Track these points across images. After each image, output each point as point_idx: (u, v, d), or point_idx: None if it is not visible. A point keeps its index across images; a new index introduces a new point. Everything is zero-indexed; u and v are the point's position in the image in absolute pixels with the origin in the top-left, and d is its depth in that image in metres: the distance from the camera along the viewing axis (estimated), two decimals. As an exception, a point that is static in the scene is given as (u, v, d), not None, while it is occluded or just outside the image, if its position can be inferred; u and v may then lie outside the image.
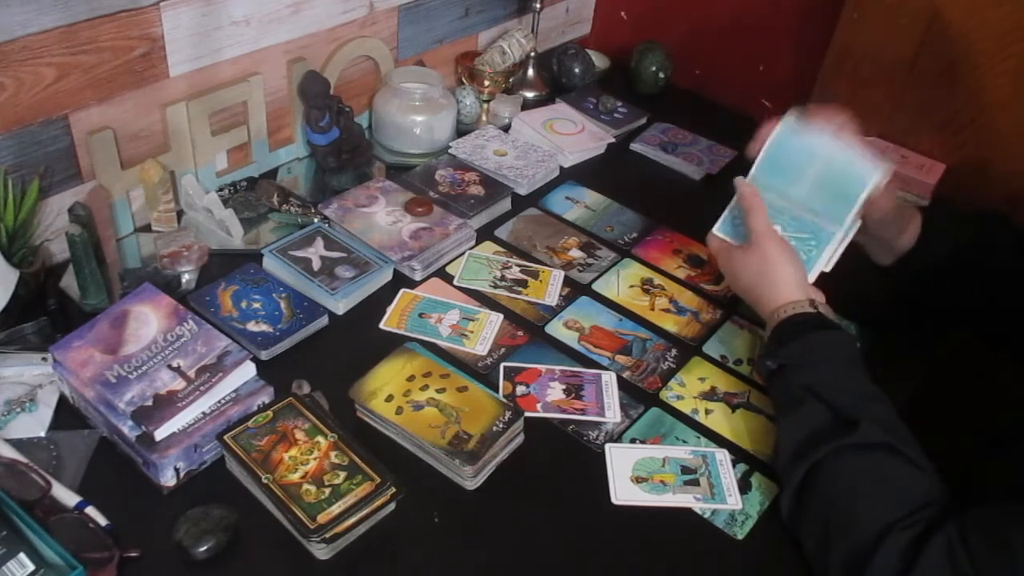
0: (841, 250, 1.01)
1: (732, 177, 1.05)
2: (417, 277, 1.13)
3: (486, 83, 1.44)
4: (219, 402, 0.87)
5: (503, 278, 1.15)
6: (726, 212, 1.05)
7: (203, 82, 1.14)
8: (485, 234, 1.23)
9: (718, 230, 1.05)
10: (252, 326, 1.01)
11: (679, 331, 1.10)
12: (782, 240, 0.99)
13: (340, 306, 1.07)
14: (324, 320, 1.05)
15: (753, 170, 1.03)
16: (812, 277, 1.00)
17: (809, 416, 0.86)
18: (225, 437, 0.84)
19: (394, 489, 0.82)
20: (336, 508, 0.79)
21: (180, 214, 1.18)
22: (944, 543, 0.73)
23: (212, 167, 1.21)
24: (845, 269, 1.02)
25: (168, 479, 0.83)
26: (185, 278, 1.07)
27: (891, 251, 1.06)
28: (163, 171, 1.11)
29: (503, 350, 1.04)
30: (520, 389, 0.99)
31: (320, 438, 0.85)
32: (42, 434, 0.87)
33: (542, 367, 1.02)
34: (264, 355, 0.98)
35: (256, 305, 1.04)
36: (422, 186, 1.27)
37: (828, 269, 1.01)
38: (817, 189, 1.00)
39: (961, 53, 1.28)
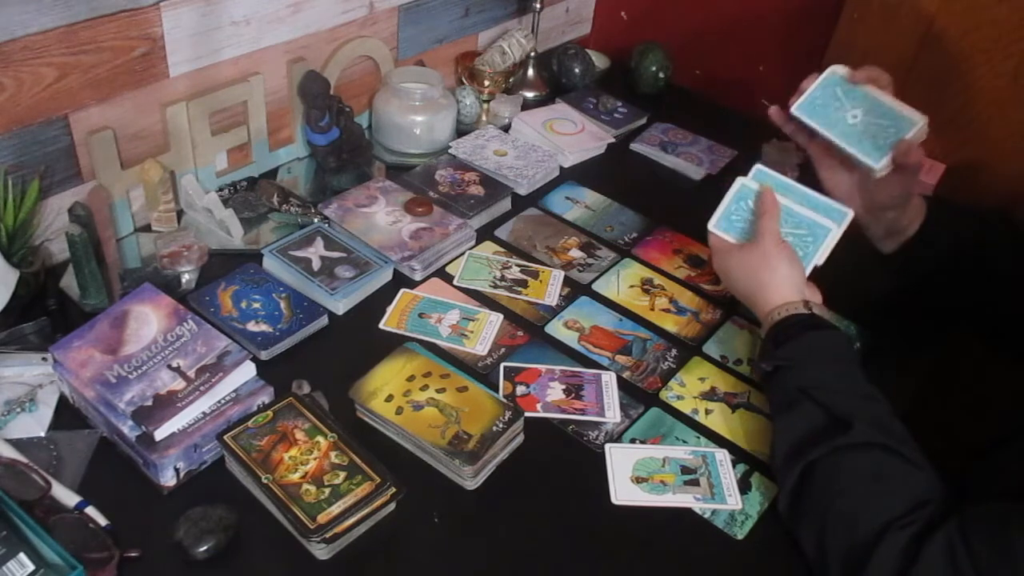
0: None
1: (732, 177, 1.05)
2: (417, 277, 1.13)
3: (486, 83, 1.44)
4: (219, 402, 0.87)
5: (503, 278, 1.15)
6: (722, 206, 1.05)
7: (203, 82, 1.14)
8: (485, 234, 1.23)
9: (715, 226, 1.05)
10: (252, 326, 1.01)
11: (679, 331, 1.10)
12: (784, 243, 0.99)
13: (340, 306, 1.07)
14: (324, 320, 1.05)
15: (796, 106, 1.03)
16: (807, 272, 1.00)
17: (804, 417, 0.86)
18: (225, 437, 0.84)
19: (394, 489, 0.82)
20: (336, 508, 0.79)
21: (180, 214, 1.18)
22: (944, 542, 0.73)
23: (212, 167, 1.21)
24: (846, 270, 1.02)
25: (168, 479, 0.83)
26: (185, 278, 1.07)
27: (896, 236, 1.06)
28: (163, 171, 1.11)
29: (503, 350, 1.04)
30: (520, 389, 0.99)
31: (320, 438, 0.85)
32: (42, 434, 0.87)
33: (542, 367, 1.02)
34: (264, 355, 0.98)
35: (256, 305, 1.04)
36: (422, 186, 1.27)
37: (821, 263, 1.01)
38: (857, 131, 1.00)
39: (961, 53, 1.28)
